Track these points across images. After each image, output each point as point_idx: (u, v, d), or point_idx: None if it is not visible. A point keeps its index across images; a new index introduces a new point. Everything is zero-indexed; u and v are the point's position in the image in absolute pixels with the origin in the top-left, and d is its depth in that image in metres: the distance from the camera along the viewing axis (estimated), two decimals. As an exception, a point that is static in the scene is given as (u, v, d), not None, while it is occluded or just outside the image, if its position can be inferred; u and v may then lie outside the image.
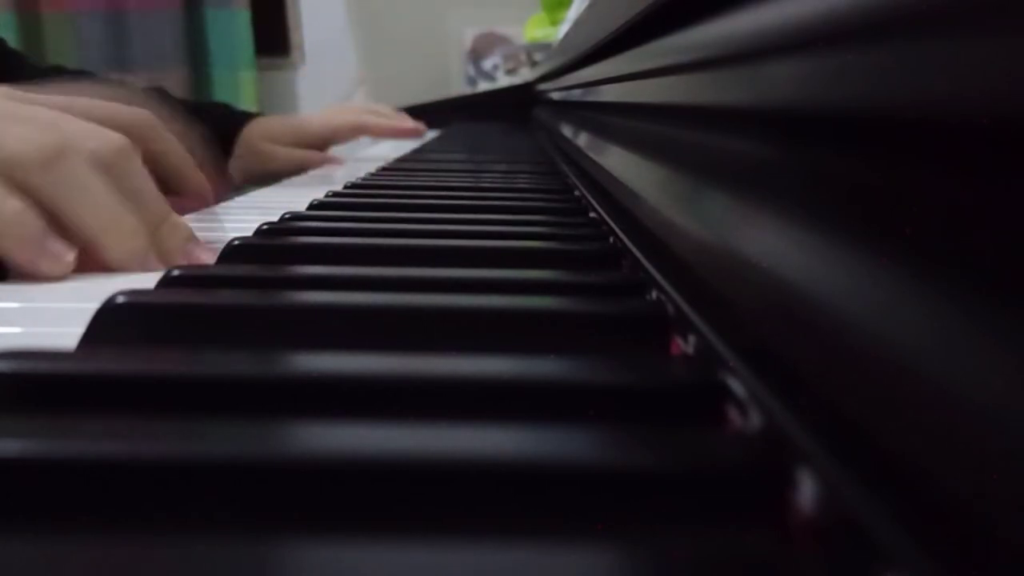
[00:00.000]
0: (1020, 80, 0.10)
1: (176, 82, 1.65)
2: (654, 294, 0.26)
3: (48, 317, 0.28)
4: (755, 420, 0.16)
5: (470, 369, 0.19)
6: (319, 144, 0.90)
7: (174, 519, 0.14)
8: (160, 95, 0.91)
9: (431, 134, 1.16)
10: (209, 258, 0.34)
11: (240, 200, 0.61)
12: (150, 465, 0.14)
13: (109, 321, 0.23)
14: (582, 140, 0.61)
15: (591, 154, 0.50)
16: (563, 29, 1.03)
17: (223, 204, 0.58)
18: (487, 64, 1.92)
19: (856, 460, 0.12)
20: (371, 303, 0.25)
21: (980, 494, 0.09)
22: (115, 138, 0.34)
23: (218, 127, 0.86)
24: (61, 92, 0.38)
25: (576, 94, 0.78)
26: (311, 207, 0.48)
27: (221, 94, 1.70)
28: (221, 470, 0.14)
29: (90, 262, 0.33)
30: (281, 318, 0.24)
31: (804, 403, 0.15)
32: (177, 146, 0.44)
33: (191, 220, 0.49)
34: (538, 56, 1.56)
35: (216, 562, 0.12)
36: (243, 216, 0.50)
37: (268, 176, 0.90)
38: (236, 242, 0.34)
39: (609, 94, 0.54)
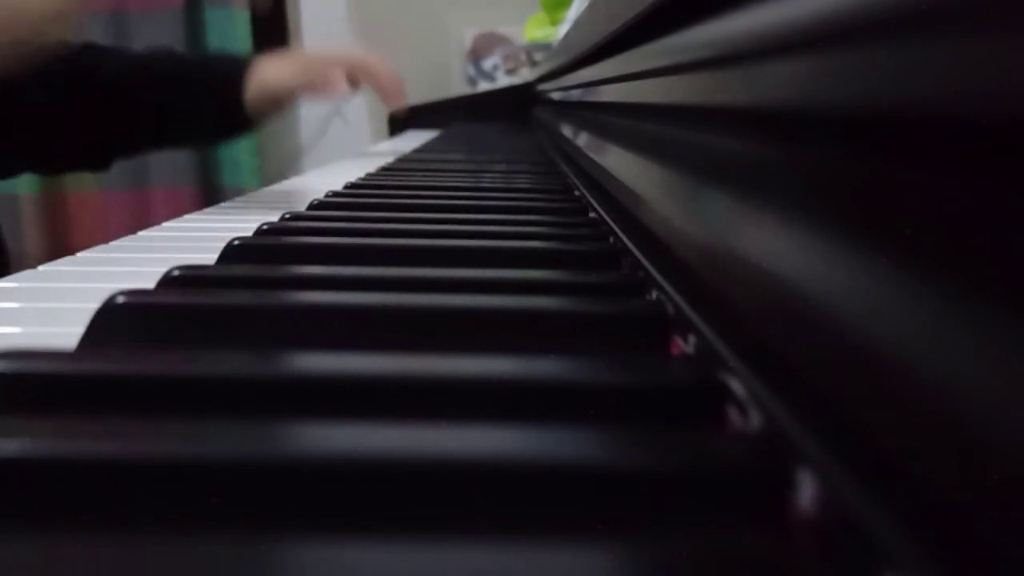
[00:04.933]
0: (1020, 80, 0.10)
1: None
2: (654, 294, 0.26)
3: (48, 317, 0.28)
4: (755, 420, 0.16)
5: (470, 369, 0.19)
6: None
7: (174, 519, 0.14)
8: (170, 55, 0.92)
9: (431, 134, 1.16)
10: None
11: (240, 200, 0.61)
12: (150, 465, 0.14)
13: (109, 321, 0.23)
14: (582, 140, 0.61)
15: (591, 154, 0.50)
16: (563, 29, 1.03)
17: (223, 204, 0.58)
18: (487, 64, 1.92)
19: (856, 460, 0.12)
20: (371, 303, 0.25)
21: (980, 494, 0.09)
22: None
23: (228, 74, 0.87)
24: None
25: (576, 94, 0.78)
26: (311, 207, 0.48)
27: (221, 93, 1.70)
28: (221, 470, 0.14)
29: None
30: (281, 318, 0.24)
31: (804, 403, 0.15)
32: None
33: (192, 218, 0.50)
34: (538, 56, 1.56)
35: (216, 562, 0.12)
36: (243, 216, 0.50)
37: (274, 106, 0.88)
38: (236, 242, 0.33)
39: (609, 94, 0.54)
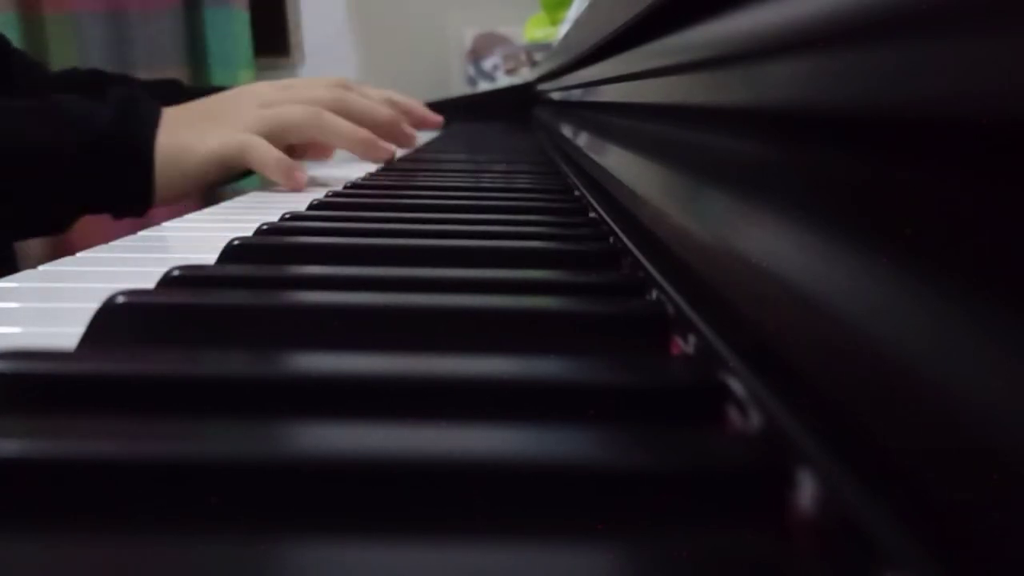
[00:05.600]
0: (1020, 80, 0.10)
1: (176, 82, 1.65)
2: (654, 294, 0.26)
3: (48, 317, 0.28)
4: (755, 420, 0.16)
5: (470, 369, 0.19)
6: None
7: (174, 519, 0.14)
8: (175, 88, 0.88)
9: (431, 134, 1.16)
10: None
11: (240, 200, 0.61)
12: (150, 465, 0.14)
13: (109, 321, 0.23)
14: (582, 140, 0.61)
15: (591, 154, 0.50)
16: (563, 29, 1.03)
17: (223, 204, 0.58)
18: (487, 64, 1.92)
19: (856, 460, 0.12)
20: (371, 303, 0.25)
21: (980, 494, 0.09)
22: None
23: None
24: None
25: (576, 94, 0.78)
26: (311, 207, 0.48)
27: (221, 94, 1.70)
28: (221, 470, 0.14)
29: None
30: (281, 318, 0.24)
31: (804, 403, 0.15)
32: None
33: (192, 218, 0.50)
34: (538, 56, 1.56)
35: (216, 562, 0.12)
36: (243, 216, 0.50)
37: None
38: (236, 242, 0.33)
39: (609, 94, 0.54)
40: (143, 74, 1.58)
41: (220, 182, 0.70)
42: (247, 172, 0.71)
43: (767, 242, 0.18)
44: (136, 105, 0.67)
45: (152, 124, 0.66)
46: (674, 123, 0.34)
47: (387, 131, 0.77)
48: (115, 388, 0.18)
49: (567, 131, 0.73)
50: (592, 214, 0.45)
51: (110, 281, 0.28)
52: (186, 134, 0.67)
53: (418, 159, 0.83)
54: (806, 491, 0.13)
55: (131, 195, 0.67)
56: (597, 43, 0.52)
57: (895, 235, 0.13)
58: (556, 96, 1.01)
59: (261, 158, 0.65)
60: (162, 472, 0.14)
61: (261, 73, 1.81)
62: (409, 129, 0.82)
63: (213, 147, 0.66)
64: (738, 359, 0.18)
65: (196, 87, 0.88)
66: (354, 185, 0.60)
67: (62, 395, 0.18)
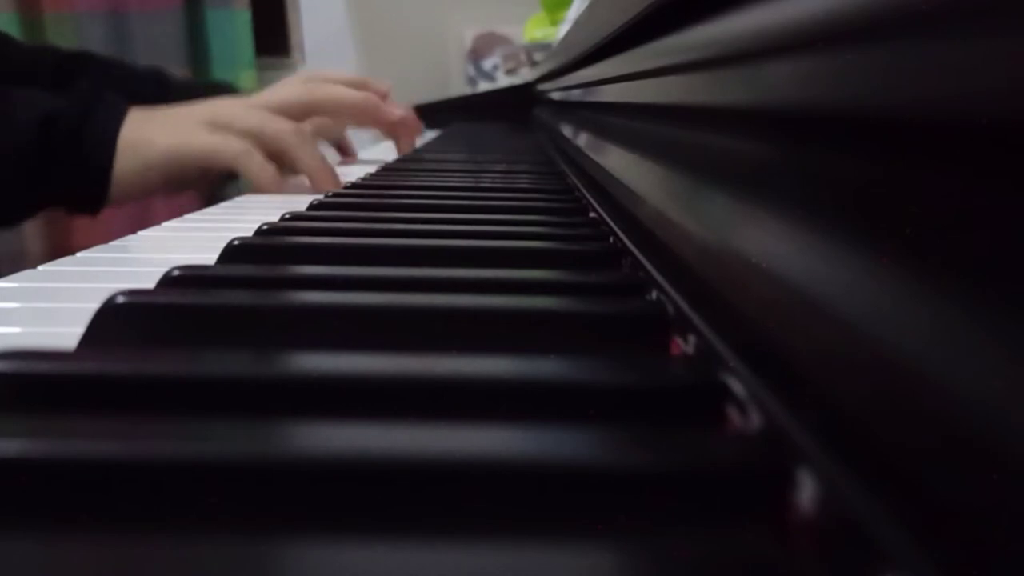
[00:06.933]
0: (1020, 80, 0.10)
1: (176, 82, 1.65)
2: (654, 294, 0.26)
3: (48, 317, 0.28)
4: (755, 420, 0.16)
5: (470, 369, 0.19)
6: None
7: (174, 519, 0.14)
8: (159, 79, 0.87)
9: (431, 134, 1.16)
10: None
11: (240, 200, 0.61)
12: (150, 465, 0.14)
13: (109, 321, 0.23)
14: (582, 140, 0.61)
15: (591, 154, 0.50)
16: (563, 29, 1.03)
17: (223, 204, 0.58)
18: (487, 64, 1.92)
19: (856, 460, 0.12)
20: (371, 303, 0.25)
21: (980, 494, 0.09)
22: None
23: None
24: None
25: (576, 94, 0.78)
26: (311, 207, 0.48)
27: (221, 94, 1.70)
28: (221, 470, 0.14)
29: None
30: (281, 318, 0.24)
31: (804, 403, 0.15)
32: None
33: (192, 218, 0.50)
34: (538, 56, 1.56)
35: (216, 562, 0.12)
36: (243, 216, 0.50)
37: None
38: (236, 242, 0.33)
39: (609, 94, 0.54)
40: (143, 74, 1.58)
41: (193, 185, 0.68)
42: (228, 175, 0.70)
43: (767, 242, 0.18)
44: (98, 101, 0.65)
45: (116, 119, 0.65)
46: (674, 123, 0.34)
47: (366, 113, 0.76)
48: (115, 388, 0.18)
49: (567, 131, 0.73)
50: (592, 214, 0.45)
51: (110, 281, 0.28)
52: (151, 129, 0.65)
53: (418, 159, 0.83)
54: (806, 491, 0.13)
55: (87, 190, 0.65)
56: (597, 43, 0.52)
57: (895, 235, 0.13)
58: (556, 96, 1.01)
59: (259, 169, 0.64)
60: (162, 472, 0.14)
61: (261, 73, 1.81)
62: (392, 107, 0.80)
63: (204, 142, 0.64)
64: (738, 359, 0.18)
65: (183, 81, 0.86)
66: (354, 185, 0.60)
67: (62, 395, 0.18)
